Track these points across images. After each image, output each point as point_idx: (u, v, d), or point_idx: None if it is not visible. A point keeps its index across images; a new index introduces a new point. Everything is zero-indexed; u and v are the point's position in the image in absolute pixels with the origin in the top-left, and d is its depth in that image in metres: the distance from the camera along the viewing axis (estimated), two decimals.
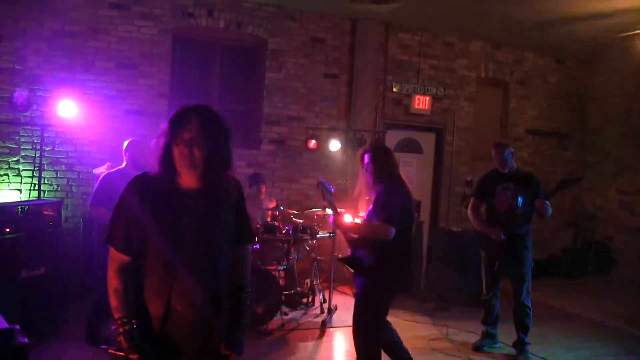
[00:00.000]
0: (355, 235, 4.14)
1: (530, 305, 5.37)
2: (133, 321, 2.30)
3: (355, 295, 4.27)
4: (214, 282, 2.43)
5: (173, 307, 2.34)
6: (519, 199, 5.27)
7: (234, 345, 2.50)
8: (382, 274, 3.99)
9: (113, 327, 2.31)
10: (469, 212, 5.69)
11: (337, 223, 4.17)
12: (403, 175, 4.21)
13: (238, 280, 2.59)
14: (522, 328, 5.37)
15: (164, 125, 2.36)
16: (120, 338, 2.28)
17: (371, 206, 4.10)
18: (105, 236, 2.41)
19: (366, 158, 4.18)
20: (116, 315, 2.30)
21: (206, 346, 2.45)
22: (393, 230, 3.88)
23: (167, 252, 2.34)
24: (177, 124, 2.33)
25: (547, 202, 5.04)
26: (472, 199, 5.76)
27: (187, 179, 2.39)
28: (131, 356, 2.29)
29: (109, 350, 2.37)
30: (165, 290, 2.34)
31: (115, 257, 2.36)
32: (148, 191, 2.36)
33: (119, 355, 2.33)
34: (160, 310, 2.35)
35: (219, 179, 2.43)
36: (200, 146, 2.31)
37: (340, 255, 4.22)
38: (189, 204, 2.39)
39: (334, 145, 8.13)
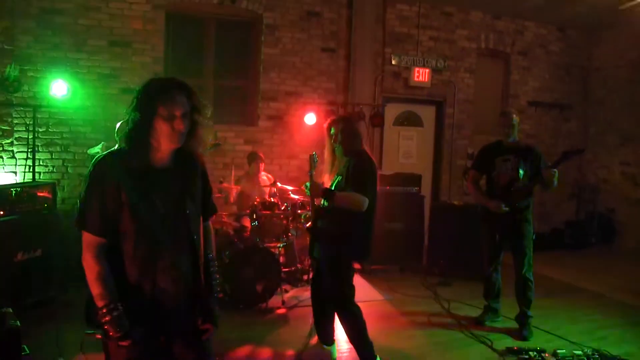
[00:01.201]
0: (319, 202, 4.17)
1: (532, 278, 5.31)
2: (118, 307, 2.24)
3: (320, 263, 4.34)
4: (192, 256, 2.45)
5: (157, 284, 2.33)
6: (520, 170, 5.18)
7: (211, 319, 2.55)
8: (346, 241, 4.08)
9: (99, 315, 2.23)
10: (469, 184, 5.62)
11: (314, 190, 4.12)
12: (367, 147, 4.30)
13: (206, 254, 2.62)
14: (524, 301, 5.32)
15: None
16: (107, 327, 2.22)
17: (339, 177, 4.13)
18: (78, 221, 2.32)
19: (335, 128, 4.22)
20: (100, 303, 2.23)
21: (189, 319, 2.49)
22: (367, 201, 3.96)
23: (149, 230, 2.30)
24: (163, 99, 2.26)
25: (555, 170, 4.93)
26: (471, 171, 5.67)
27: (161, 156, 2.36)
28: (121, 343, 2.25)
29: (97, 336, 2.32)
30: (149, 267, 2.32)
31: (92, 242, 2.29)
32: (121, 170, 2.28)
33: (109, 340, 2.27)
34: (144, 288, 2.32)
35: (191, 155, 2.43)
36: (189, 122, 2.32)
37: (308, 226, 4.23)
38: (164, 181, 2.36)
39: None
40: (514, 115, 5.35)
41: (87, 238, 2.28)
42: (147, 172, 2.32)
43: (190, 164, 2.46)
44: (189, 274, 2.43)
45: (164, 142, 2.30)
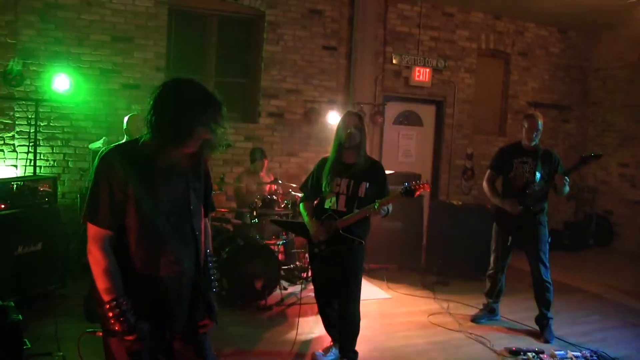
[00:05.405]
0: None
1: (549, 280, 5.32)
2: (124, 302, 2.23)
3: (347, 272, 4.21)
4: (194, 251, 2.48)
5: (160, 279, 2.34)
6: (537, 174, 5.18)
7: (212, 314, 2.57)
8: (365, 239, 4.17)
9: (105, 310, 2.22)
10: (485, 184, 5.62)
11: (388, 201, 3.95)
12: None
13: (204, 250, 2.63)
14: (543, 303, 5.33)
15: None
16: (113, 321, 2.21)
17: (365, 182, 4.05)
18: (86, 213, 2.30)
19: (355, 126, 3.99)
20: (107, 298, 2.22)
21: (192, 315, 2.50)
22: None
23: (153, 225, 2.32)
24: (203, 119, 2.31)
25: (567, 177, 4.97)
26: (488, 171, 5.67)
27: (176, 155, 2.38)
28: (127, 338, 2.24)
29: (97, 333, 2.31)
30: (151, 262, 2.33)
31: (99, 235, 2.26)
32: (129, 164, 2.29)
33: (112, 335, 2.27)
34: (147, 283, 2.33)
35: (199, 155, 2.47)
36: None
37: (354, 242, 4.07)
38: (171, 176, 2.39)
39: (333, 118, 8.02)
40: (540, 120, 5.34)
41: (94, 231, 2.26)
42: (154, 167, 2.33)
43: (197, 163, 2.50)
44: (191, 270, 2.45)
45: (187, 146, 2.35)
